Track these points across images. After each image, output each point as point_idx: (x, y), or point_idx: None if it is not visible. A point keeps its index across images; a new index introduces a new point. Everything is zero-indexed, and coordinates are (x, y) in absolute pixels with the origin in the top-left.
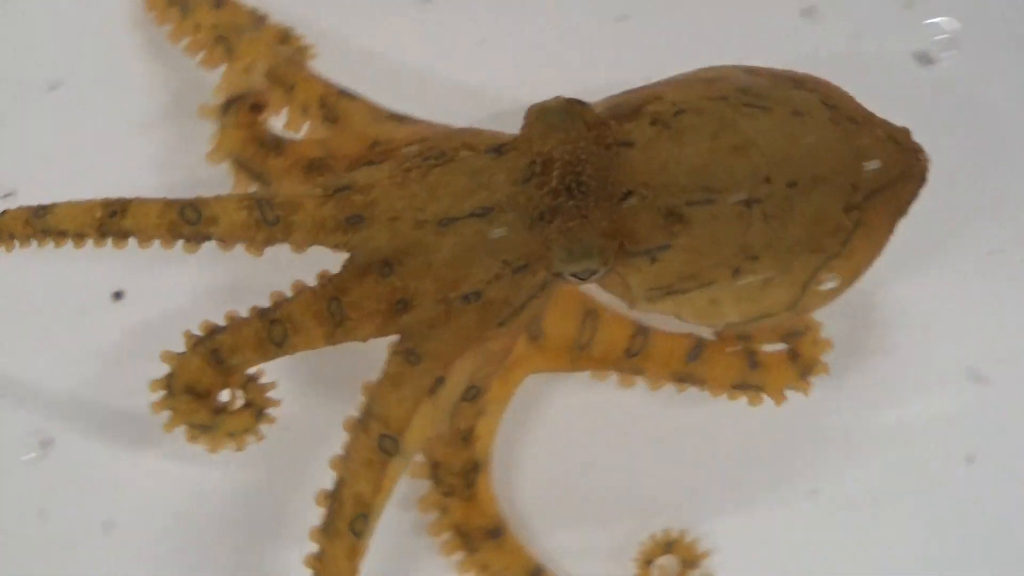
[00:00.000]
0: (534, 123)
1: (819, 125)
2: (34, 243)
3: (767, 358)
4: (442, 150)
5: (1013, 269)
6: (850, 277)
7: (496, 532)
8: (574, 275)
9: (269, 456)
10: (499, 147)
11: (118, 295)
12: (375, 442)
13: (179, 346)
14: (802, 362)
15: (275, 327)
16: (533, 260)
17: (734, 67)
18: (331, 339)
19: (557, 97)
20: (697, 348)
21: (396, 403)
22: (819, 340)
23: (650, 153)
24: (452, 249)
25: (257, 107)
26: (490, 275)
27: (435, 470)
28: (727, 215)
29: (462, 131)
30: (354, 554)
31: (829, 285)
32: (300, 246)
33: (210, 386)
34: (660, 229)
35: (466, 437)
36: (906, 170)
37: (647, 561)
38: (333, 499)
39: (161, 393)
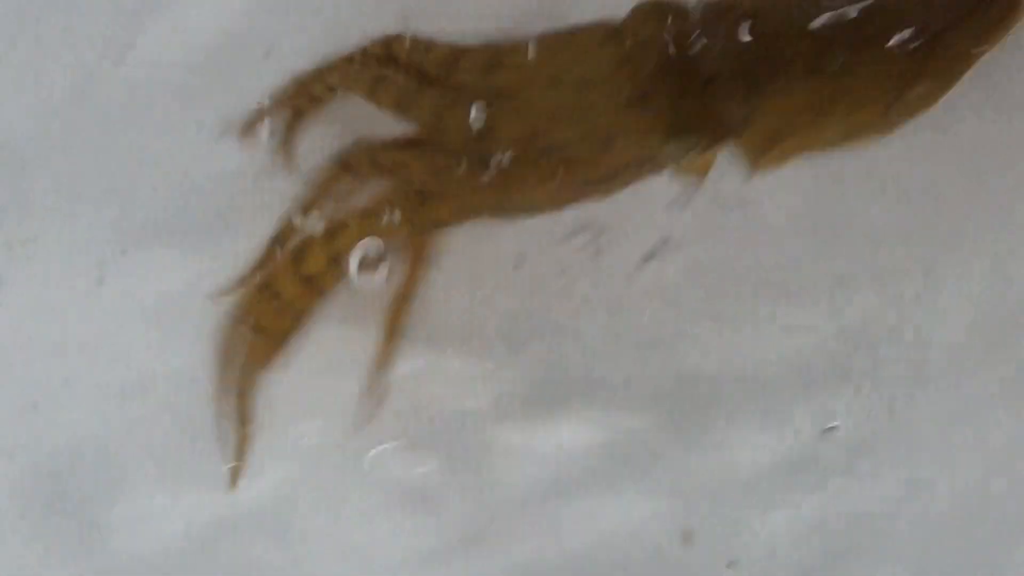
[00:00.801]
0: (635, 16)
1: None
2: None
3: None
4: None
5: None
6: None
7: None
8: (674, 152)
9: None
10: (605, 34)
11: None
12: None
13: None
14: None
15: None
16: (621, 135)
17: None
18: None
19: None
20: None
21: None
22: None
23: (727, 46)
24: (550, 104)
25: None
26: (575, 138)
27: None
28: (796, 82)
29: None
30: None
31: (910, 100)
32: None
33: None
34: (741, 103)
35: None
36: None
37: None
38: None
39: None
